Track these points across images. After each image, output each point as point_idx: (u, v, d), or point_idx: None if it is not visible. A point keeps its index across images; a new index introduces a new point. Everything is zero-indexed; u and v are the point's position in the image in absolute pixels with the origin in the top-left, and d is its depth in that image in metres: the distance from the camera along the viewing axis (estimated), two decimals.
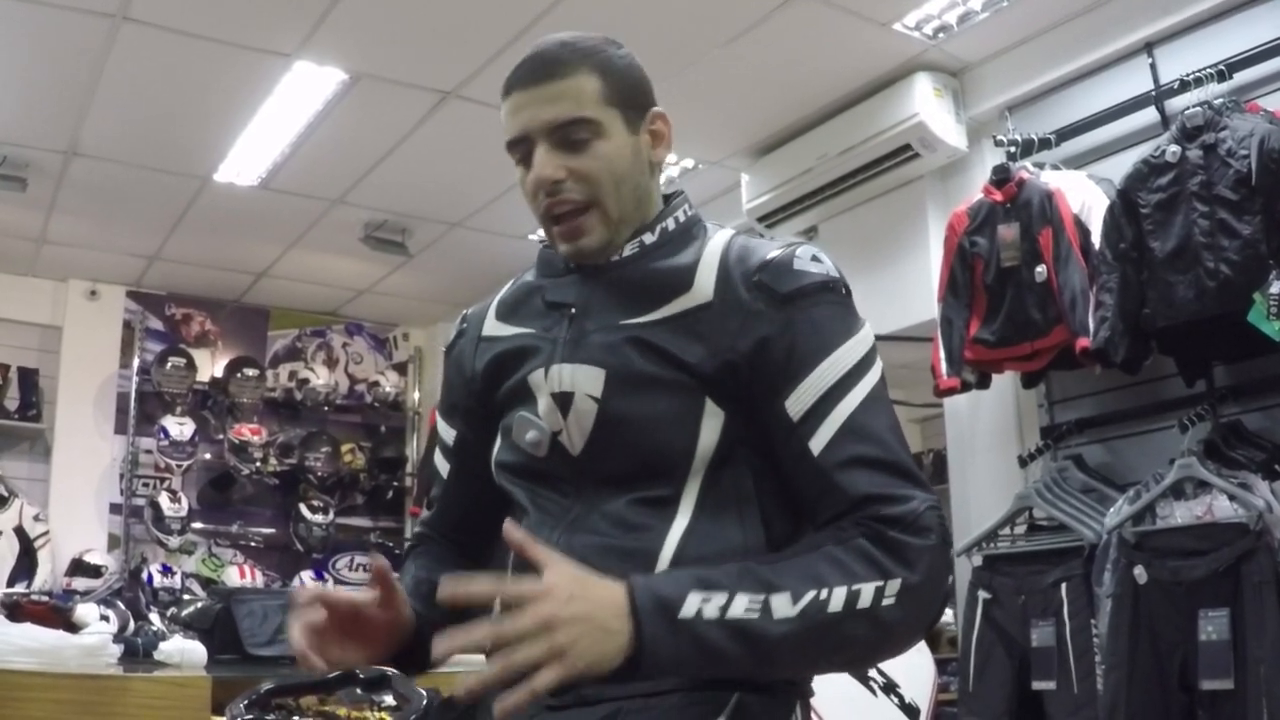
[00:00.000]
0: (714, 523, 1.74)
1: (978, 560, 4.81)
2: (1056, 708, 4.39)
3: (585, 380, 1.81)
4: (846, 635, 1.57)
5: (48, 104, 6.08)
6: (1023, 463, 5.01)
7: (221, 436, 9.03)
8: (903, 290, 5.73)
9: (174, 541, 8.39)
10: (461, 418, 2.10)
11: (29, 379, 8.44)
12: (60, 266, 8.64)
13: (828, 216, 6.26)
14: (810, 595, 1.55)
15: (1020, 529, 4.84)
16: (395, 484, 9.66)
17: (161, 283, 9.08)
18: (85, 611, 5.28)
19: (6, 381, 8.34)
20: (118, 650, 4.92)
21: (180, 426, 8.73)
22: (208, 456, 9.00)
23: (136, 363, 8.88)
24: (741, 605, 1.53)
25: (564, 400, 1.83)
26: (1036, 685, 4.47)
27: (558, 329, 1.89)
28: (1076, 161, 4.98)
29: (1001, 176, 4.83)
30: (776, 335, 1.74)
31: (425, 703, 1.54)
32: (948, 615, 5.68)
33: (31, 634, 4.54)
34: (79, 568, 7.90)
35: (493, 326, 2.03)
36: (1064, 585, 4.44)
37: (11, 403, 8.32)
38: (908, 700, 2.10)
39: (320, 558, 9.21)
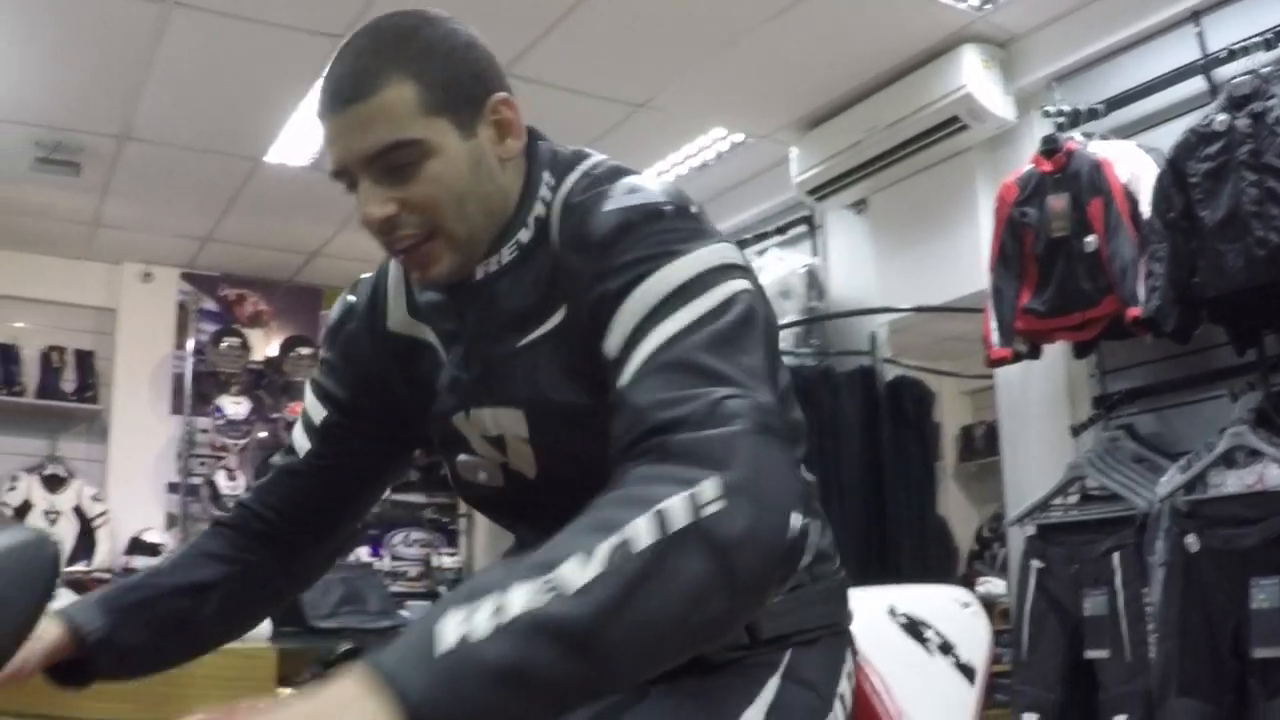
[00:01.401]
0: None
1: (1030, 530, 4.83)
2: (1109, 676, 4.41)
3: (508, 422, 1.67)
4: (685, 577, 1.14)
5: (100, 88, 6.14)
6: (1075, 432, 5.01)
7: (277, 415, 9.10)
8: (953, 261, 5.75)
9: None
10: (340, 407, 1.89)
11: (85, 361, 8.56)
12: (114, 249, 8.72)
13: (877, 189, 6.29)
14: (605, 544, 1.13)
15: (1073, 499, 4.85)
16: None
17: (215, 264, 9.16)
18: None
19: (63, 364, 8.46)
20: None
21: (236, 405, 8.83)
22: (263, 435, 9.06)
23: (191, 343, 8.96)
24: (522, 597, 1.09)
25: (497, 441, 1.71)
26: (1089, 654, 4.50)
27: (452, 363, 1.73)
28: (1125, 131, 4.96)
29: (1050, 147, 4.82)
30: (597, 284, 1.48)
31: None
32: (1000, 586, 5.69)
33: None
34: (138, 546, 8.03)
35: (401, 321, 1.83)
36: (1116, 554, 4.45)
37: (69, 385, 8.44)
38: (963, 661, 2.12)
39: (376, 534, 9.29)
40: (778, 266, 6.58)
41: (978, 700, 2.09)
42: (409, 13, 1.64)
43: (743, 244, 6.95)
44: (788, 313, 6.38)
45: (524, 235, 1.64)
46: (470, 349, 1.70)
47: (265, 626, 5.08)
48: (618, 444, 1.33)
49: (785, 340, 6.30)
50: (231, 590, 1.85)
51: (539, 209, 1.64)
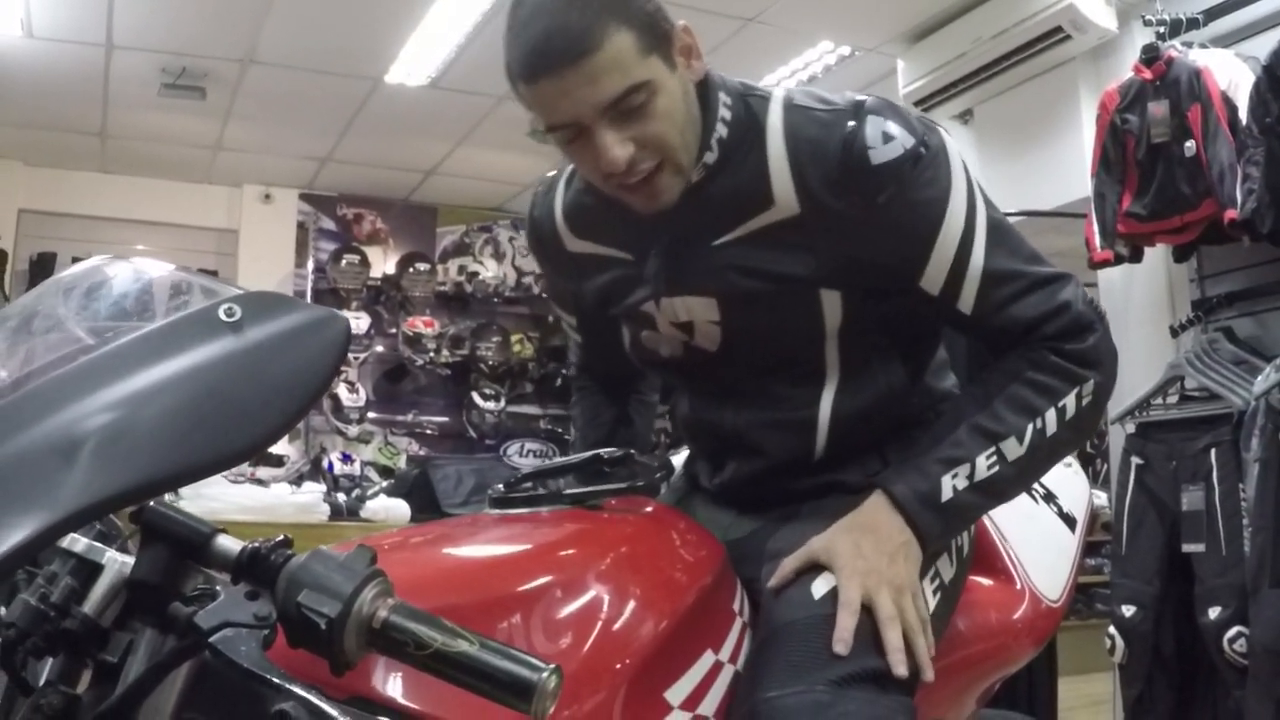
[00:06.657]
0: (859, 377, 1.85)
1: (1131, 428, 4.94)
2: (1205, 569, 4.51)
3: (700, 309, 1.85)
4: (1059, 447, 1.79)
5: (226, 14, 6.36)
6: (1174, 333, 5.09)
7: (395, 330, 9.40)
8: (1057, 169, 5.84)
9: (353, 430, 8.80)
10: (580, 309, 2.19)
11: None
12: (235, 172, 9.04)
13: (983, 100, 6.39)
14: (1031, 428, 1.74)
15: (1172, 398, 4.95)
16: (564, 372, 9.83)
17: (332, 184, 9.43)
18: (281, 490, 5.71)
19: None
20: (327, 509, 5.32)
21: (356, 320, 9.06)
22: (381, 349, 9.39)
23: (311, 263, 9.28)
24: (983, 466, 1.73)
25: (686, 326, 1.88)
26: (1187, 548, 4.60)
27: (651, 260, 1.87)
28: (1224, 40, 5.01)
29: (1151, 55, 4.89)
30: (885, 231, 1.73)
31: (658, 475, 1.75)
32: (1101, 499, 5.80)
33: (251, 494, 4.90)
34: (262, 458, 8.26)
35: (575, 244, 2.01)
36: (1214, 451, 4.54)
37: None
38: (1065, 510, 2.29)
39: (493, 443, 9.57)
40: None
41: (1078, 547, 2.27)
42: None
43: None
44: None
45: (710, 157, 1.78)
46: (667, 247, 1.84)
47: (404, 511, 5.40)
48: (1005, 343, 1.80)
49: None
50: (627, 417, 2.35)
51: (719, 130, 1.77)
